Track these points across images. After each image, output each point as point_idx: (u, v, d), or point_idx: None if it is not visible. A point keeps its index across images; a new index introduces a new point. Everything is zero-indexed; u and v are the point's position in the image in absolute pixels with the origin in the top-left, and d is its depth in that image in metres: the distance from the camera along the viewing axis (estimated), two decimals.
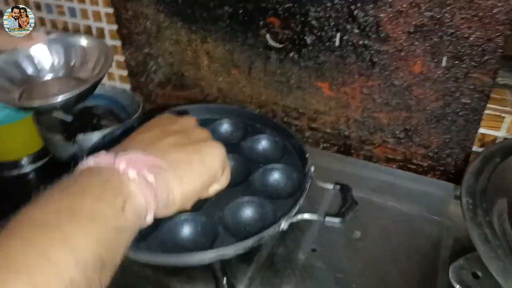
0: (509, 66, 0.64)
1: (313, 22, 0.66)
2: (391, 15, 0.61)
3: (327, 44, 0.67)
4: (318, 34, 0.67)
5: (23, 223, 0.27)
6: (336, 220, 0.51)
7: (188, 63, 0.82)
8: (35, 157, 0.87)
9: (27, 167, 0.86)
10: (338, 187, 0.56)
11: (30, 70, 0.69)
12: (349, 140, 0.75)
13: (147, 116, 0.70)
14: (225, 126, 0.72)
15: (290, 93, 0.76)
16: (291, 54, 0.71)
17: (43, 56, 0.69)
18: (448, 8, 0.57)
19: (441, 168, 0.70)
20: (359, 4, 0.62)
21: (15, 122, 0.81)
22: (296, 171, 0.61)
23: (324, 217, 0.51)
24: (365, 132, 0.73)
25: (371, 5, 0.61)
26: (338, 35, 0.66)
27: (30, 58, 0.68)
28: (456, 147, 0.67)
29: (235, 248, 0.48)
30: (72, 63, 0.71)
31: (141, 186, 0.33)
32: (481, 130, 0.64)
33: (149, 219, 0.34)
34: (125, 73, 0.92)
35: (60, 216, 0.28)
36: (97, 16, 0.87)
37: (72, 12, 0.89)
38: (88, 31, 0.90)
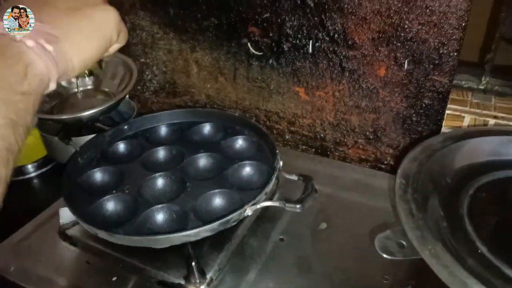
0: (468, 70, 0.66)
1: (289, 30, 0.70)
2: (356, 22, 0.64)
3: (301, 51, 0.71)
4: (293, 42, 0.71)
5: None
6: (297, 206, 0.53)
7: (179, 71, 0.87)
8: (39, 164, 0.92)
9: (32, 173, 0.90)
10: (301, 178, 0.58)
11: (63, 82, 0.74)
12: (325, 142, 0.78)
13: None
14: (207, 128, 0.76)
15: (271, 98, 0.79)
16: (270, 61, 0.75)
17: None
18: (406, 15, 0.60)
19: None
20: (327, 14, 0.65)
21: None
22: (267, 166, 0.63)
23: (285, 204, 0.53)
24: (339, 134, 0.75)
25: (338, 14, 0.64)
26: (311, 42, 0.69)
27: None
28: None
29: (200, 230, 0.51)
30: (100, 77, 0.77)
31: (41, 55, 0.34)
32: (444, 130, 0.66)
33: (52, 86, 0.35)
34: None
35: None
36: None
37: None
38: None
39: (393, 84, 0.66)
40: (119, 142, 0.71)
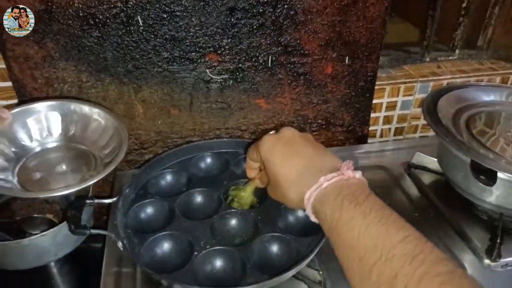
0: None
1: (248, 51, 0.73)
2: (308, 34, 0.74)
3: (260, 67, 0.75)
4: (253, 60, 0.74)
5: None
6: None
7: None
8: None
9: None
10: None
11: (23, 142, 0.62)
12: None
13: None
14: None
15: (232, 116, 0.80)
16: (230, 82, 0.76)
17: (38, 125, 0.64)
18: (346, 23, 0.74)
19: (353, 136, 0.89)
20: (283, 31, 0.72)
21: None
22: None
23: None
24: (297, 128, 0.85)
25: (292, 29, 0.72)
26: (270, 58, 0.75)
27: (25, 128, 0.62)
28: (360, 118, 0.87)
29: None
30: (70, 132, 0.66)
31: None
32: (373, 101, 0.86)
33: None
34: None
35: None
36: None
37: None
38: None
39: (337, 77, 0.80)
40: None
